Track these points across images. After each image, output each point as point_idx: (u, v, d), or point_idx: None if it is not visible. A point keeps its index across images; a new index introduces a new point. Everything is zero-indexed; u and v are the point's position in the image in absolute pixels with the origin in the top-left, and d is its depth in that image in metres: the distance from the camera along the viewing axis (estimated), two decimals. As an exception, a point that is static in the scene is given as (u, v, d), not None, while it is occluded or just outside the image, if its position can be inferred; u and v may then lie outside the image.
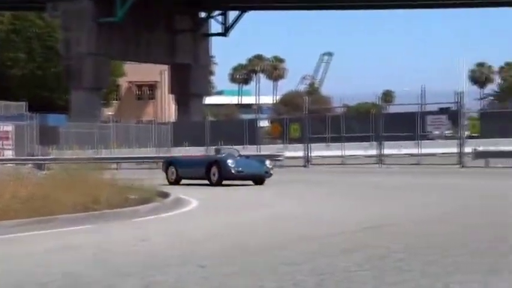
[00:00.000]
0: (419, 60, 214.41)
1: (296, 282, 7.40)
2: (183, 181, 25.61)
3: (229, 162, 24.57)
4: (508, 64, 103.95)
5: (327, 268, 8.17)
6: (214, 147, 29.21)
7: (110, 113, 73.77)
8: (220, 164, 24.62)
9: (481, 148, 38.47)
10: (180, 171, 25.80)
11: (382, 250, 9.48)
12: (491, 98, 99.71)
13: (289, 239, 10.88)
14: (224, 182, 24.44)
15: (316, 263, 8.49)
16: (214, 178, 24.47)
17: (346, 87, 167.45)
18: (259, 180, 24.77)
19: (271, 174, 25.09)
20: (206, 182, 24.57)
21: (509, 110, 51.26)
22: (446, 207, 16.12)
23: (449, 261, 8.52)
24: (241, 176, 24.64)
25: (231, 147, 28.81)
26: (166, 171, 26.29)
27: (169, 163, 26.68)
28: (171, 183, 25.11)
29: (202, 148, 48.96)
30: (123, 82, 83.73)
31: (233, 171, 24.36)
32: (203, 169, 24.67)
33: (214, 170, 24.49)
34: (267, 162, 25.66)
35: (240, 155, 26.21)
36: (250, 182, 24.73)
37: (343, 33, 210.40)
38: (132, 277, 7.82)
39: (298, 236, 11.24)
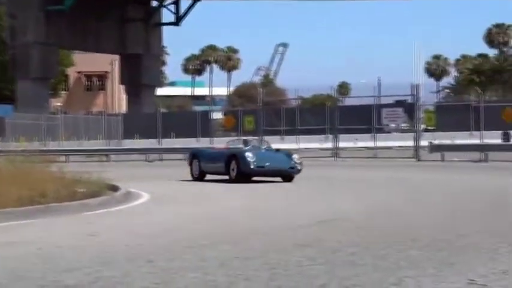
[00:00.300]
0: (376, 52, 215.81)
1: (248, 277, 7.44)
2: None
3: (248, 155, 22.49)
4: (463, 56, 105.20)
5: (279, 262, 8.21)
6: (243, 138, 26.64)
7: (58, 104, 73.03)
8: (238, 157, 22.56)
9: (436, 141, 38.92)
10: (203, 166, 23.77)
11: (335, 244, 9.56)
12: (447, 90, 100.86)
13: (241, 233, 10.91)
14: (254, 179, 22.62)
15: (269, 257, 8.54)
16: (233, 174, 22.57)
17: (301, 79, 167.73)
18: (286, 176, 22.57)
19: (299, 170, 22.73)
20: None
21: (465, 102, 51.96)
22: (399, 201, 16.29)
23: (402, 255, 8.63)
24: (262, 172, 22.62)
25: (261, 138, 26.75)
26: (190, 165, 24.30)
27: (193, 156, 24.49)
28: (195, 178, 23.65)
29: (154, 140, 48.81)
30: (72, 72, 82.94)
31: (252, 166, 22.31)
32: (223, 163, 22.76)
33: (233, 164, 22.52)
34: (295, 156, 23.30)
35: (268, 148, 24.26)
36: (278, 179, 22.64)
37: (298, 24, 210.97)
38: (78, 272, 7.78)
39: (250, 230, 11.28)
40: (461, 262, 8.15)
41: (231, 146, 24.60)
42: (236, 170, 22.47)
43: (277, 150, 24.56)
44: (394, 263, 8.10)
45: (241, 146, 24.17)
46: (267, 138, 44.75)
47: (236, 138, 28.42)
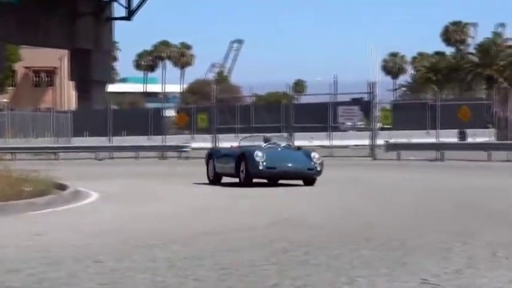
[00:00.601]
0: (333, 50, 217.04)
1: (198, 278, 7.44)
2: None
3: (257, 154, 20.21)
4: (420, 54, 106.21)
5: (230, 262, 8.23)
6: (262, 134, 24.20)
7: (4, 100, 72.22)
8: (246, 157, 20.31)
9: (392, 140, 39.26)
10: (217, 167, 21.57)
11: (288, 244, 9.60)
12: (404, 89, 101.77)
13: (192, 233, 10.90)
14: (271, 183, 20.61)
15: (220, 258, 8.54)
16: (243, 176, 20.37)
17: (256, 76, 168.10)
18: (305, 179, 20.34)
19: (319, 172, 20.33)
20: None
21: (421, 101, 52.47)
22: (353, 201, 16.40)
23: (356, 255, 8.70)
24: (273, 174, 20.37)
25: (281, 135, 24.11)
26: (207, 165, 22.16)
27: (209, 155, 22.32)
28: (210, 181, 21.55)
29: (104, 138, 48.51)
30: (19, 68, 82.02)
31: (260, 167, 20.03)
32: (234, 164, 20.63)
33: (243, 165, 20.31)
34: (315, 155, 20.64)
35: (287, 146, 21.99)
36: (299, 182, 20.50)
37: (254, 21, 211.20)
38: (23, 273, 7.71)
39: (203, 230, 11.28)
40: (414, 262, 8.23)
41: (244, 144, 22.28)
42: (244, 171, 20.30)
43: (299, 148, 22.12)
44: (347, 263, 8.16)
45: (258, 143, 21.84)
46: (222, 136, 44.94)
47: (256, 134, 25.55)
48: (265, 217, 12.95)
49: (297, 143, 43.52)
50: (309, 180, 20.35)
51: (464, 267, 7.82)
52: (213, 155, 22.10)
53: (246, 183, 20.11)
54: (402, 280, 7.23)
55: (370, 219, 12.48)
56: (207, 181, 21.76)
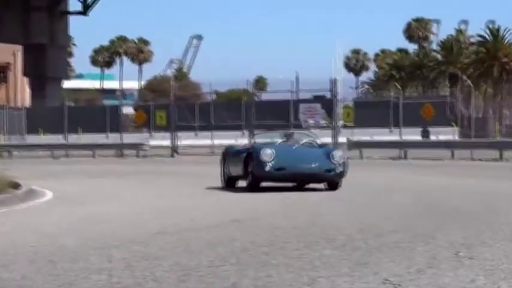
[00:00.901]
0: (295, 46, 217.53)
1: (156, 278, 7.42)
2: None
3: (264, 153, 17.73)
4: (383, 51, 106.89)
5: (189, 263, 8.21)
6: (284, 131, 21.85)
7: (-44, 97, 71.30)
8: (253, 156, 17.92)
9: (355, 138, 39.49)
10: (230, 169, 19.21)
11: (248, 244, 9.61)
12: (367, 86, 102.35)
13: (151, 233, 10.86)
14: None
15: (179, 258, 8.53)
16: (249, 179, 18.14)
17: (216, 73, 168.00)
18: (327, 182, 18.05)
19: (341, 174, 17.84)
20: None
21: (384, 99, 52.81)
22: (315, 200, 16.46)
23: (317, 255, 8.73)
24: (282, 176, 17.88)
25: (303, 132, 21.54)
26: (221, 167, 19.92)
27: (223, 155, 19.96)
28: (226, 185, 19.35)
29: (60, 136, 48.17)
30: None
31: (267, 169, 17.56)
32: (242, 165, 18.28)
33: (250, 166, 17.96)
34: (337, 153, 18.20)
35: (308, 143, 19.26)
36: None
37: (214, 16, 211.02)
38: (-25, 275, 7.63)
39: (160, 230, 11.24)
40: (376, 262, 8.28)
41: (259, 141, 19.99)
42: (250, 174, 18.01)
43: (322, 145, 19.79)
44: (308, 263, 8.18)
45: (276, 140, 19.52)
46: (181, 134, 44.82)
47: (280, 131, 22.44)
48: (221, 216, 12.95)
49: (257, 141, 43.77)
50: (331, 184, 17.91)
51: (426, 267, 7.88)
52: (226, 155, 19.60)
53: (251, 187, 17.84)
54: (363, 280, 7.27)
55: (331, 219, 12.53)
56: (162, 180, 21.68)
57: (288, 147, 18.61)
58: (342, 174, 17.89)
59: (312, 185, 18.41)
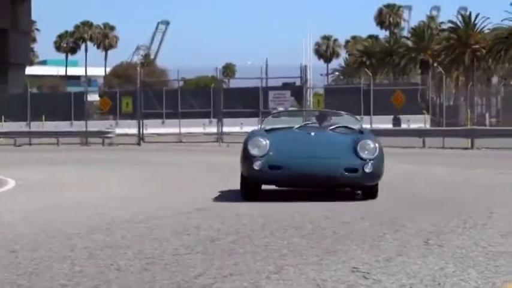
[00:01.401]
0: (264, 32, 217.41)
1: (119, 267, 7.39)
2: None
3: (254, 143, 13.22)
4: (353, 38, 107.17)
5: (154, 252, 8.19)
6: (315, 110, 16.32)
7: None
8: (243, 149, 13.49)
9: (325, 126, 39.55)
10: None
11: (214, 232, 9.61)
12: (337, 73, 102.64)
13: (115, 221, 10.82)
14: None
15: (143, 247, 8.50)
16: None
17: (184, 59, 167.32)
18: (358, 187, 13.62)
19: (370, 174, 12.96)
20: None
21: (355, 85, 52.99)
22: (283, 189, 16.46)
23: (284, 243, 8.74)
24: (277, 178, 13.24)
25: (344, 113, 15.46)
26: None
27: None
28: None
29: (23, 123, 47.79)
30: None
31: (257, 167, 12.97)
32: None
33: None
34: (365, 143, 13.20)
35: (329, 126, 14.26)
36: None
37: (181, 1, 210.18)
38: None
39: (124, 218, 11.20)
40: (345, 250, 8.31)
41: (270, 127, 14.53)
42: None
43: (356, 132, 14.29)
44: (275, 251, 8.19)
45: (293, 124, 14.74)
46: (148, 121, 44.67)
47: (310, 110, 16.86)
48: (186, 204, 12.92)
49: (227, 129, 43.77)
50: (363, 190, 13.45)
51: (395, 255, 7.92)
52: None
53: (242, 194, 13.49)
54: (332, 269, 7.28)
55: (299, 208, 12.55)
56: (127, 168, 21.61)
57: (300, 135, 13.76)
58: (372, 176, 13.03)
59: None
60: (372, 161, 12.98)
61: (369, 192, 13.31)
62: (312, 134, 13.73)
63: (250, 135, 13.68)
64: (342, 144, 13.38)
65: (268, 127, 14.48)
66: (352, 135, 13.95)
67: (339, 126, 14.37)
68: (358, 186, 13.44)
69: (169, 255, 7.98)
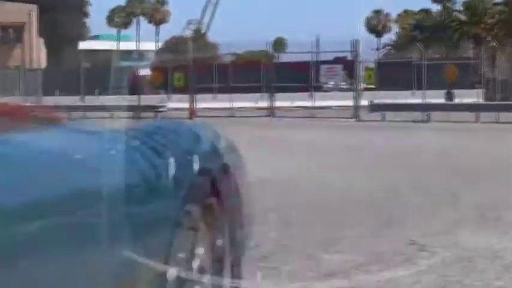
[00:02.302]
0: (315, 6, 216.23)
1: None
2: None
3: None
4: (405, 11, 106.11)
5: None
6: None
7: (-29, 58, 71.62)
8: None
9: (377, 101, 39.42)
10: None
11: (272, 204, 9.70)
12: (389, 47, 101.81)
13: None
14: None
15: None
16: None
17: (235, 33, 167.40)
18: None
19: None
20: None
21: (407, 59, 52.60)
22: (333, 162, 16.52)
23: (341, 215, 8.82)
24: None
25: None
26: None
27: None
28: None
29: (77, 98, 48.33)
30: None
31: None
32: None
33: None
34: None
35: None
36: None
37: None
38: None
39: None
40: (401, 222, 8.37)
41: None
42: None
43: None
44: (332, 223, 8.27)
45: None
46: (199, 96, 44.83)
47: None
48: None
49: (278, 103, 43.73)
50: None
51: (452, 228, 7.95)
52: None
53: None
54: (388, 241, 7.34)
55: (355, 180, 12.58)
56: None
57: None
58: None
59: None
60: None
61: None
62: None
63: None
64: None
65: None
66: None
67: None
68: None
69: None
